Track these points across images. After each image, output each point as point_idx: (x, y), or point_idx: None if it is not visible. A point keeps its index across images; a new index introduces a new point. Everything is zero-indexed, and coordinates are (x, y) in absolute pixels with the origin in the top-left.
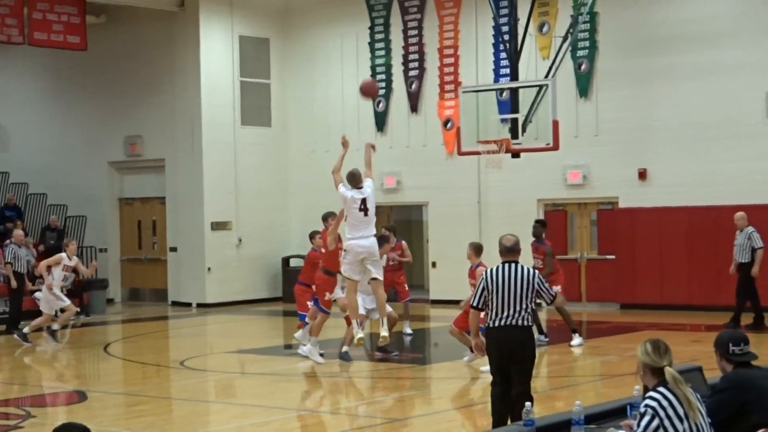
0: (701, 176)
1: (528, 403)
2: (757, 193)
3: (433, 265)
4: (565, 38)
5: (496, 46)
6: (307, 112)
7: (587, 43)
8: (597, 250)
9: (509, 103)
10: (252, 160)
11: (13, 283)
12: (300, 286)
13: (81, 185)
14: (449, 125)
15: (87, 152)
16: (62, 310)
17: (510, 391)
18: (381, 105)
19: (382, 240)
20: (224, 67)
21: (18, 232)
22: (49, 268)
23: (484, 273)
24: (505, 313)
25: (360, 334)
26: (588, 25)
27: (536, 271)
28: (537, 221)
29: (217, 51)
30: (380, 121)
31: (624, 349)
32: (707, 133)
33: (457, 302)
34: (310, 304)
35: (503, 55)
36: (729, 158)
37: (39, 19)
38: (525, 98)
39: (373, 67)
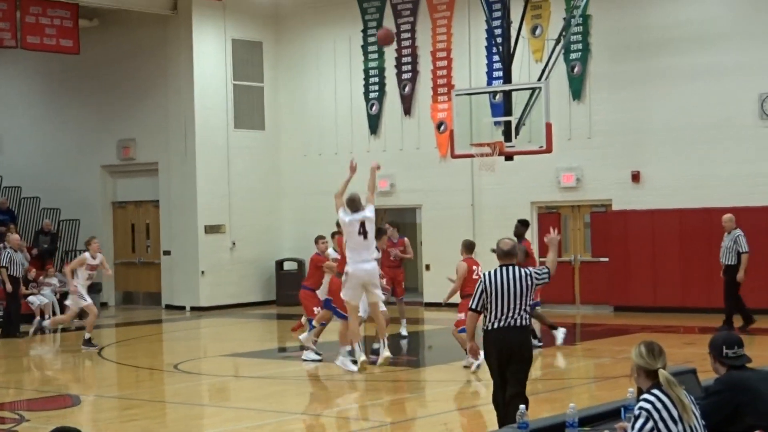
0: (694, 178)
1: (522, 406)
2: (750, 196)
3: (427, 267)
4: (557, 41)
5: (489, 49)
6: (300, 115)
7: (580, 46)
8: (590, 253)
9: (502, 106)
10: (245, 164)
11: (8, 287)
12: (305, 291)
13: (74, 189)
14: (442, 128)
15: (80, 156)
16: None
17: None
18: (374, 108)
19: (379, 233)
20: (217, 71)
21: (14, 237)
22: (73, 271)
23: (482, 276)
24: (504, 315)
25: (362, 357)
26: (581, 27)
27: (530, 270)
28: (519, 221)
29: (210, 54)
30: (373, 123)
31: (617, 352)
32: (701, 136)
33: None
34: (317, 310)
35: (496, 58)
36: (723, 160)
37: (32, 23)
38: (518, 101)
39: (366, 70)
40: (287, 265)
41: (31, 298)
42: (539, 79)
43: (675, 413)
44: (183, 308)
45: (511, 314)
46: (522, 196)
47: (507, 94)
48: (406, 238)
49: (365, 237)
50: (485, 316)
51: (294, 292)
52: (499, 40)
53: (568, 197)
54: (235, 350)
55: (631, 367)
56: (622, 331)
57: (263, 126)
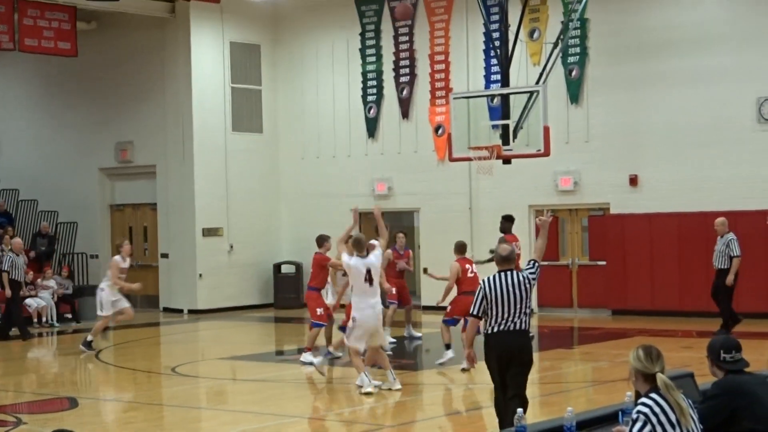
0: (692, 182)
1: (519, 410)
2: (747, 199)
3: (425, 271)
4: (555, 44)
5: (486, 52)
6: (298, 118)
7: (578, 49)
8: (588, 256)
9: (500, 110)
10: (243, 166)
11: (8, 292)
12: (310, 292)
13: (72, 191)
14: (440, 131)
15: (78, 158)
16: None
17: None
18: (372, 111)
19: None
20: (215, 74)
21: (17, 240)
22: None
23: (482, 282)
24: (504, 319)
25: (371, 388)
26: (578, 31)
27: (525, 273)
28: (503, 217)
29: (207, 57)
30: (371, 127)
31: (615, 355)
32: (698, 139)
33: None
34: (319, 311)
35: (494, 61)
36: (720, 164)
37: (30, 26)
38: (516, 104)
39: (363, 74)
40: (285, 268)
41: (28, 301)
42: (537, 83)
43: (673, 417)
44: (181, 311)
45: (510, 318)
46: (520, 199)
47: (505, 98)
48: (410, 251)
49: (371, 284)
50: (485, 321)
51: (292, 295)
52: (497, 43)
53: (566, 200)
54: (233, 353)
55: (629, 370)
56: (620, 335)
57: (261, 129)
